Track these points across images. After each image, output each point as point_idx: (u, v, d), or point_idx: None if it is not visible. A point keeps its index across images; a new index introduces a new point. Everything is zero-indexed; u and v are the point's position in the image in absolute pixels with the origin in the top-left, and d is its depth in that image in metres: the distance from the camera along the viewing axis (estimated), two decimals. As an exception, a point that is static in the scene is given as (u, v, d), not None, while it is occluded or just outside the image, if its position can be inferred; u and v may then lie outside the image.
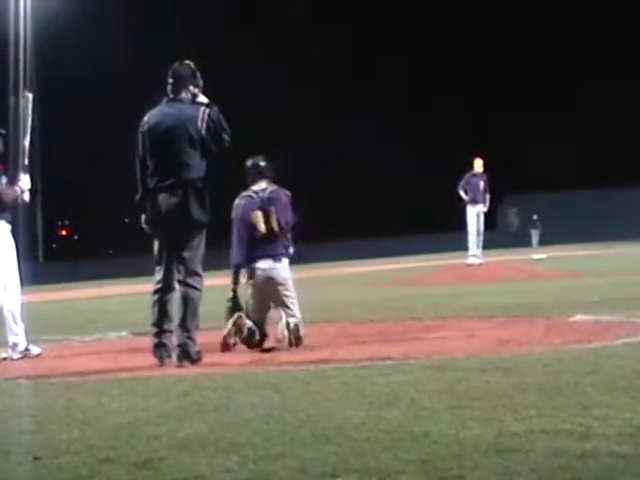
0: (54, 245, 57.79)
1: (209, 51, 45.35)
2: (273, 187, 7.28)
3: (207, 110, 6.36)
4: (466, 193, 17.75)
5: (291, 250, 7.29)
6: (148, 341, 6.65)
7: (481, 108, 51.73)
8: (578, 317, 8.08)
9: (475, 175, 17.76)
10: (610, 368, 5.00)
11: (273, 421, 3.97)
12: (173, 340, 6.32)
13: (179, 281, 6.38)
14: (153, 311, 6.41)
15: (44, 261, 40.72)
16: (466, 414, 3.87)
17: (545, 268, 19.37)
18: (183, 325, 6.26)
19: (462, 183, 17.82)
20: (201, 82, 6.54)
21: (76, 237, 66.32)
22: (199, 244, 6.40)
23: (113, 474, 3.24)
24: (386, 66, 53.54)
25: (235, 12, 51.66)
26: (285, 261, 7.18)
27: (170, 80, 6.47)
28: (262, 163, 7.34)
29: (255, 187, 7.28)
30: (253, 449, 3.45)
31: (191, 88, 6.45)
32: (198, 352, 6.32)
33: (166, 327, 6.33)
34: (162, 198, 6.33)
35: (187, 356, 6.22)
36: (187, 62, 6.57)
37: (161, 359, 6.30)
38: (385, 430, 3.66)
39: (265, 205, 7.16)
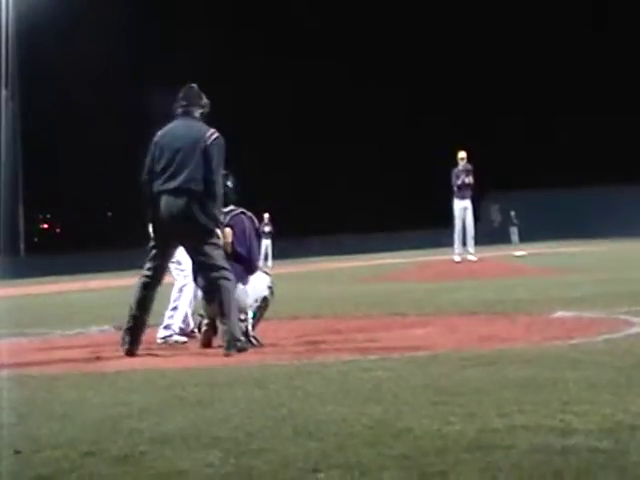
0: (35, 239, 57.46)
1: (192, 50, 45.21)
2: (237, 211, 7.20)
3: (217, 134, 6.57)
4: (458, 189, 17.69)
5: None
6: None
7: (465, 105, 51.83)
8: (559, 313, 8.13)
9: (460, 170, 17.71)
10: (591, 364, 5.03)
11: (255, 416, 3.96)
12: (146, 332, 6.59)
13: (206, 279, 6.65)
14: (135, 297, 6.58)
15: (25, 255, 40.50)
16: (448, 410, 3.89)
17: (526, 265, 19.45)
18: (223, 316, 6.41)
19: (454, 180, 17.73)
20: (207, 102, 6.84)
21: (57, 230, 66.03)
22: (212, 247, 6.51)
23: (94, 468, 3.23)
24: (376, 63, 53.61)
25: (218, 11, 51.53)
26: (240, 287, 6.97)
27: (182, 102, 6.74)
28: (228, 184, 7.20)
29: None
30: (235, 444, 3.45)
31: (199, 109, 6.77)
32: (241, 340, 6.42)
33: (143, 317, 6.52)
34: (165, 200, 6.50)
35: (232, 346, 6.32)
36: (192, 85, 6.86)
37: (125, 344, 6.47)
38: (367, 425, 3.67)
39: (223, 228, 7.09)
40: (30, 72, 39.01)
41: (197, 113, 6.73)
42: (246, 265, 7.09)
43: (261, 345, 6.78)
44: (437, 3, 53.19)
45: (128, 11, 44.98)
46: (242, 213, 7.23)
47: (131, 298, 6.61)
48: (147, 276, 6.59)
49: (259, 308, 7.12)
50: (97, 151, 46.42)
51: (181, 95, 6.80)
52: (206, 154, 6.47)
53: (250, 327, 6.91)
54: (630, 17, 48.02)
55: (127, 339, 6.47)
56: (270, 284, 7.24)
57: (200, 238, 6.49)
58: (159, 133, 6.74)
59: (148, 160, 6.65)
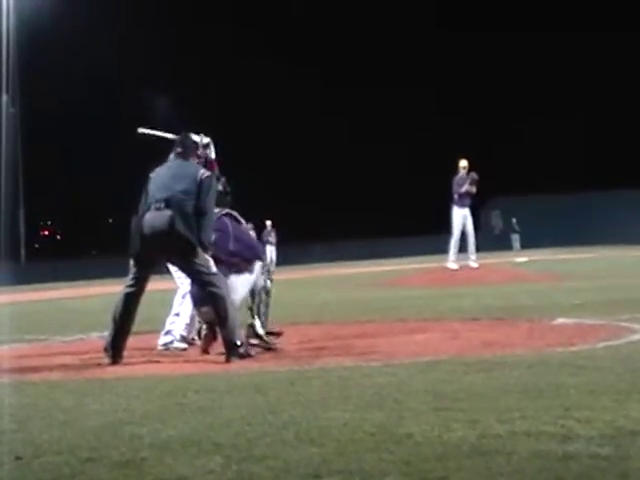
0: (36, 245, 57.47)
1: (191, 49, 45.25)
2: (223, 212, 7.21)
3: (209, 173, 6.80)
4: (459, 197, 17.68)
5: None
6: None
7: (467, 112, 51.87)
8: (560, 320, 8.13)
9: (463, 178, 17.70)
10: (592, 370, 5.03)
11: (256, 422, 3.96)
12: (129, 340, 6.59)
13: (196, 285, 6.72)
14: (117, 312, 6.57)
15: (26, 261, 40.52)
16: (449, 415, 3.88)
17: (527, 271, 19.45)
18: (221, 324, 6.46)
19: (455, 188, 17.71)
20: (203, 152, 7.17)
21: (58, 237, 66.04)
22: (197, 260, 6.52)
23: (95, 474, 3.22)
24: (374, 67, 53.70)
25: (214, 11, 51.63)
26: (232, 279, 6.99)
27: (178, 149, 6.97)
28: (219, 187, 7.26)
29: None
30: (236, 450, 3.45)
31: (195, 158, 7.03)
32: (241, 345, 6.43)
33: (125, 329, 6.55)
34: (151, 212, 6.58)
35: (233, 353, 6.37)
36: (188, 134, 7.12)
37: (113, 357, 6.49)
38: (369, 431, 3.66)
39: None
40: (31, 77, 39.06)
41: (193, 160, 6.98)
42: (251, 255, 7.13)
43: (275, 347, 6.78)
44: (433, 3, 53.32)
45: (131, 15, 45.10)
46: (227, 214, 7.24)
47: (113, 311, 6.60)
48: (130, 285, 6.62)
49: (265, 304, 7.11)
50: (98, 157, 46.46)
51: (178, 142, 7.03)
52: (200, 186, 6.63)
53: (261, 329, 6.92)
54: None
55: (110, 352, 6.52)
56: (262, 270, 7.19)
57: (183, 251, 6.53)
58: (155, 170, 6.90)
59: (143, 197, 6.77)
